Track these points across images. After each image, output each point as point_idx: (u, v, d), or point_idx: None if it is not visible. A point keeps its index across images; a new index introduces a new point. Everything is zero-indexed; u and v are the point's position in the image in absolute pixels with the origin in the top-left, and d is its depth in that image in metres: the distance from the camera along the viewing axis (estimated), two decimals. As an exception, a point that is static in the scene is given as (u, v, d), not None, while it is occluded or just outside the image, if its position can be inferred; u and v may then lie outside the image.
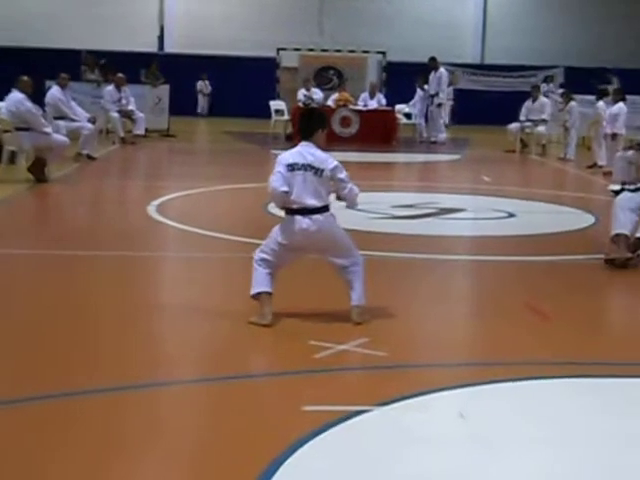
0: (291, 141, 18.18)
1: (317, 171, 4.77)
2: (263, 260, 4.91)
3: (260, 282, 4.88)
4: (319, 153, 4.82)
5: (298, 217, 4.80)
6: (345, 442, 3.39)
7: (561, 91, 18.97)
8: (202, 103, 26.83)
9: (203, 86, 26.61)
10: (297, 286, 5.97)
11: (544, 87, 20.68)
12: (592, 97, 16.57)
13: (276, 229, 4.94)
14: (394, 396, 3.82)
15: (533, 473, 3.19)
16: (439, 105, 19.06)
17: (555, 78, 23.41)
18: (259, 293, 4.88)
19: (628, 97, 14.79)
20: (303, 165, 4.77)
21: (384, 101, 19.33)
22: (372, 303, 5.04)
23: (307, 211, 4.79)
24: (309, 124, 4.91)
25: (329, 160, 4.83)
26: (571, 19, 27.39)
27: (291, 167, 4.78)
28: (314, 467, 3.19)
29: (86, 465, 3.17)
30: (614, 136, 13.94)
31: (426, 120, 19.50)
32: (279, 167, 4.80)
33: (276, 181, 4.77)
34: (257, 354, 4.50)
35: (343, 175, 4.87)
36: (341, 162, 4.92)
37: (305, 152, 4.81)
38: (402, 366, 4.33)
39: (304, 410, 3.66)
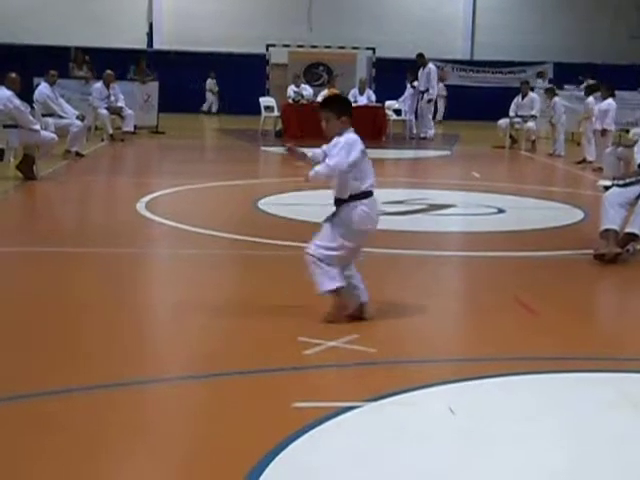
0: (281, 137, 18.22)
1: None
2: (332, 258, 4.71)
3: (335, 277, 4.72)
4: None
5: (374, 198, 4.75)
6: (335, 438, 3.39)
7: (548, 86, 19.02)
8: (210, 101, 26.70)
9: (212, 84, 26.49)
10: (286, 283, 5.97)
11: (539, 82, 20.71)
12: (581, 93, 16.63)
13: (351, 218, 4.68)
14: (384, 392, 3.82)
15: (523, 468, 3.19)
16: (429, 101, 19.08)
17: (545, 74, 23.44)
18: (339, 288, 4.75)
19: (618, 93, 14.83)
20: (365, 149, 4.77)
21: (374, 97, 19.34)
22: (362, 299, 5.03)
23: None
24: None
25: None
26: (560, 15, 27.45)
27: (363, 152, 4.73)
28: (304, 463, 3.18)
29: (74, 463, 3.15)
30: (604, 132, 13.98)
31: (416, 116, 19.51)
32: (357, 152, 4.65)
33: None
34: (246, 351, 4.48)
35: None
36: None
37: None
38: (392, 362, 4.32)
39: (294, 407, 3.65)
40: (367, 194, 4.72)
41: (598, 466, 3.24)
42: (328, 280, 4.71)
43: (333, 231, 4.72)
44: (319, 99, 18.64)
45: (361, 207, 4.69)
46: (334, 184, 4.75)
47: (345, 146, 4.64)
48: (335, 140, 4.71)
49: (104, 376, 4.02)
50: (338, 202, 4.75)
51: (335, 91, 18.89)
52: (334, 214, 4.77)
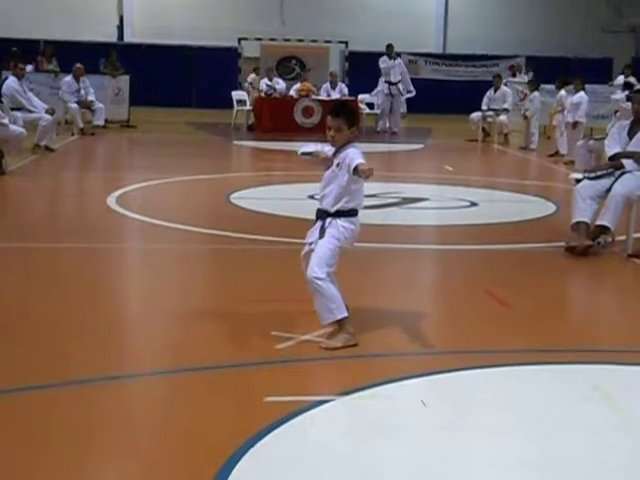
0: (253, 131, 18.15)
1: None
2: (329, 274, 4.40)
3: (340, 304, 4.41)
4: None
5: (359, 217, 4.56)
6: (307, 432, 3.37)
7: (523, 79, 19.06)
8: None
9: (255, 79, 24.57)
10: (260, 277, 5.95)
11: (522, 76, 20.73)
12: (552, 86, 16.70)
13: (340, 234, 4.43)
14: (356, 386, 3.81)
15: (495, 460, 3.19)
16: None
17: (518, 67, 23.49)
18: (344, 318, 4.46)
19: (589, 87, 14.93)
20: None
21: (346, 91, 19.30)
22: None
23: None
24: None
25: None
26: (533, 8, 27.56)
27: None
28: (276, 457, 3.17)
29: (44, 460, 3.11)
30: (575, 125, 14.07)
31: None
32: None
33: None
34: (218, 345, 4.45)
35: None
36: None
37: None
38: (363, 356, 4.31)
39: (266, 401, 3.64)
40: (355, 212, 4.52)
41: (571, 457, 3.24)
42: (337, 308, 4.40)
43: (328, 246, 4.43)
44: (291, 93, 18.65)
45: (349, 225, 4.47)
46: (329, 192, 4.48)
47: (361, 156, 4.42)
48: (348, 151, 4.46)
49: (74, 373, 3.97)
50: (324, 215, 4.49)
51: (308, 85, 18.88)
52: (322, 229, 4.49)
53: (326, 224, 4.48)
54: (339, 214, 4.48)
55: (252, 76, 20.73)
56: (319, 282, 4.35)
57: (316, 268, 4.37)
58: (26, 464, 3.09)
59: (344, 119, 4.48)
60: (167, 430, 3.42)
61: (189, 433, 3.36)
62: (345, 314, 4.41)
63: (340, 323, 4.43)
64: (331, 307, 4.39)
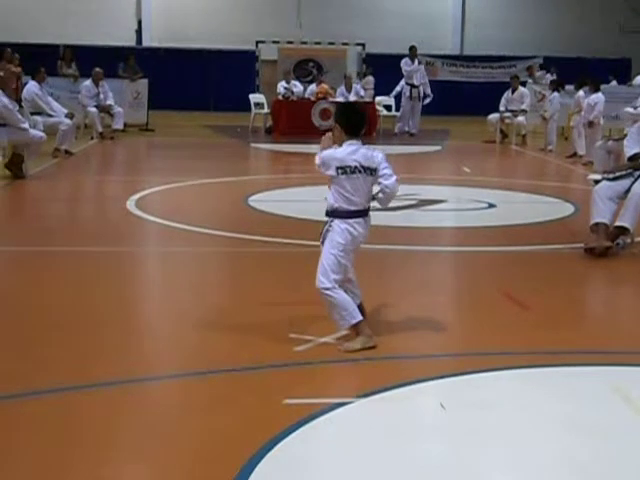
0: (271, 134, 18.18)
1: (372, 171, 4.46)
2: (336, 281, 4.40)
3: (352, 310, 4.39)
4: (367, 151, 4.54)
5: (366, 218, 4.51)
6: (326, 434, 3.39)
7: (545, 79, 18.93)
8: None
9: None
10: (278, 279, 5.97)
11: (547, 76, 20.61)
12: (571, 87, 16.62)
13: (338, 238, 4.41)
14: (374, 388, 3.82)
15: (515, 463, 3.19)
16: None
17: (533, 69, 23.39)
18: (359, 322, 4.44)
19: (607, 87, 14.84)
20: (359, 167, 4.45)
21: (362, 92, 19.28)
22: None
23: (367, 212, 4.54)
24: (363, 121, 4.57)
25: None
26: (550, 9, 27.45)
27: (352, 169, 4.42)
28: (296, 459, 3.18)
29: (65, 461, 3.14)
30: (590, 124, 13.99)
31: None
32: (332, 161, 4.41)
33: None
34: (237, 348, 4.47)
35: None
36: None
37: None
38: (382, 358, 4.32)
39: (285, 403, 3.65)
40: (351, 215, 4.46)
41: (592, 459, 3.24)
42: (348, 314, 4.39)
43: (331, 251, 4.43)
44: (307, 95, 18.68)
45: (345, 226, 4.44)
46: (329, 192, 4.50)
47: (331, 153, 4.46)
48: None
49: (94, 375, 4.00)
50: (327, 214, 4.51)
51: (325, 87, 18.90)
52: (322, 232, 4.51)
53: (326, 226, 4.51)
54: (335, 214, 4.47)
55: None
56: (327, 292, 4.38)
57: (322, 278, 4.40)
58: (50, 466, 3.12)
59: (334, 118, 4.65)
60: (186, 432, 3.44)
61: (208, 435, 3.38)
62: (359, 318, 4.41)
63: (357, 327, 4.43)
64: (343, 314, 4.40)
